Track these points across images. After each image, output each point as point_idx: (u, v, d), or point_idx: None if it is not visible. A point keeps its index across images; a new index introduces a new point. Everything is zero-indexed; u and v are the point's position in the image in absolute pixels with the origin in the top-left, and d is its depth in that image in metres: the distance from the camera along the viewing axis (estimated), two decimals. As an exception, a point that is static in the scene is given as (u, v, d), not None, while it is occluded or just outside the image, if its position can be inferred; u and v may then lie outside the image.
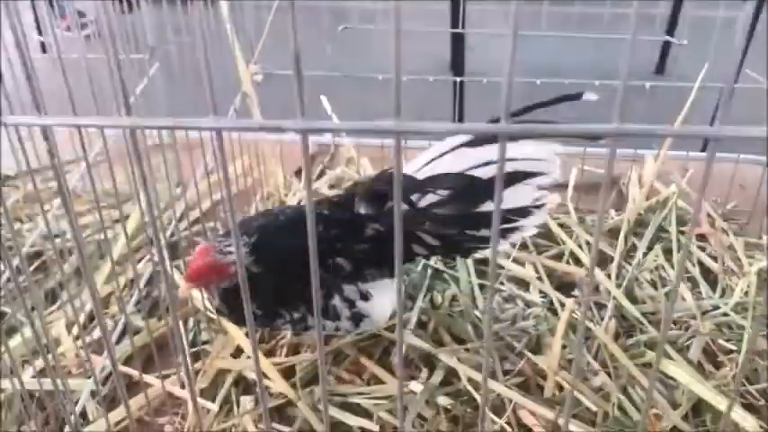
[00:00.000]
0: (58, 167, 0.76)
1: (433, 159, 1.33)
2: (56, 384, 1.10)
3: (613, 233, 1.80)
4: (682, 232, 1.78)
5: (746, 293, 1.59)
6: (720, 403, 1.31)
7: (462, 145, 1.32)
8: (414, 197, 1.32)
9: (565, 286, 1.64)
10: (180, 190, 1.77)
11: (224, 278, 1.21)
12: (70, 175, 1.93)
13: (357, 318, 1.34)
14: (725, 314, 1.54)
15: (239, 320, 1.36)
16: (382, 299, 1.35)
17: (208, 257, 1.20)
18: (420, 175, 1.33)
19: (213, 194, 1.77)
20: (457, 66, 3.47)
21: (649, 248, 1.74)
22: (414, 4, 3.45)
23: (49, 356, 1.22)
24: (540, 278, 1.65)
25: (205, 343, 1.50)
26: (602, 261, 1.70)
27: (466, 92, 2.61)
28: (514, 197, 1.30)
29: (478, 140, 1.31)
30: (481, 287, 1.62)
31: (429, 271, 1.66)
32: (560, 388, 1.39)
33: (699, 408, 1.35)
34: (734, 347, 1.46)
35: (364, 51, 3.17)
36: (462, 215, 1.32)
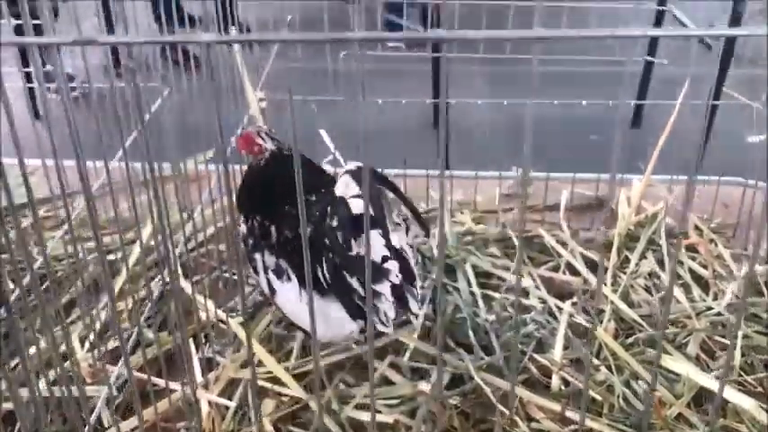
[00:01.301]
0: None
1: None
2: (70, 391, 1.13)
3: (606, 247, 1.87)
4: (672, 244, 1.86)
5: (737, 296, 1.66)
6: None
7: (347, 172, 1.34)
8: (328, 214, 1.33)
9: (563, 296, 1.70)
10: (186, 215, 1.82)
11: (252, 151, 1.44)
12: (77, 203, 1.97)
13: (270, 287, 1.41)
14: (718, 314, 1.60)
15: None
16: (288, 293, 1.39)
17: (252, 132, 1.45)
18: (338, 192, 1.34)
19: (218, 221, 1.84)
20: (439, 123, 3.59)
21: (641, 259, 1.81)
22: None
23: (66, 364, 1.26)
24: (538, 287, 1.71)
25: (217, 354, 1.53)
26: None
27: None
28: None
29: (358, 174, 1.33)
30: (483, 297, 1.67)
31: (429, 282, 1.72)
32: (566, 383, 1.44)
33: (699, 399, 1.40)
34: (729, 343, 1.52)
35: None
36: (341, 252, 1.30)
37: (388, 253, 1.28)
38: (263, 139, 1.44)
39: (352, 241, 1.27)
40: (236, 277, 1.77)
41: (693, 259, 1.82)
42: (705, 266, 1.78)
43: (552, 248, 1.85)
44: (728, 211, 2.03)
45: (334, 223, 1.29)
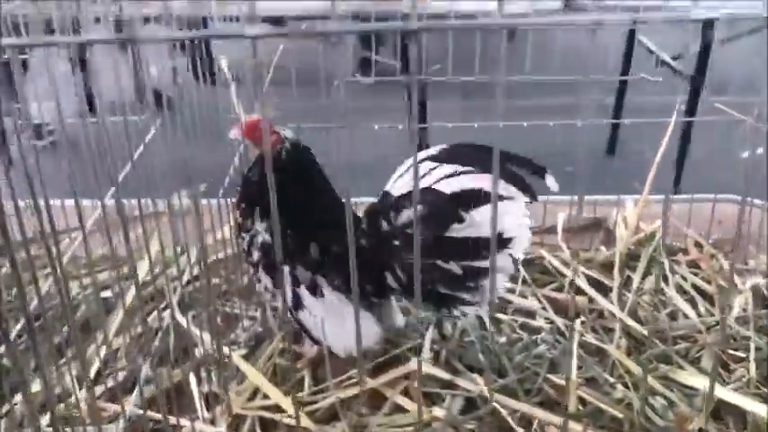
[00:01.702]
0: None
1: (403, 174, 1.34)
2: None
3: (606, 267, 1.86)
4: (673, 261, 1.85)
5: (744, 309, 1.65)
6: (741, 401, 1.33)
7: (426, 159, 1.31)
8: (392, 214, 1.31)
9: (568, 315, 1.67)
10: (180, 249, 1.78)
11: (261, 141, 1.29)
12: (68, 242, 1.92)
13: (298, 300, 1.36)
14: (728, 327, 1.59)
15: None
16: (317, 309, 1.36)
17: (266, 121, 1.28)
18: (395, 191, 1.32)
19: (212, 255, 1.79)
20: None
21: (644, 277, 1.80)
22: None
23: (61, 406, 1.20)
24: (544, 308, 1.68)
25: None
26: (602, 291, 1.75)
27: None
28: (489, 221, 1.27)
29: (441, 156, 1.31)
30: (490, 320, 1.64)
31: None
32: (583, 403, 1.40)
33: (717, 412, 1.37)
34: (743, 355, 1.50)
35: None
36: (431, 240, 1.26)
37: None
38: (279, 127, 1.33)
39: (465, 216, 1.23)
40: (236, 311, 1.72)
41: (696, 275, 1.81)
42: (708, 281, 1.77)
43: (554, 269, 1.83)
44: (723, 227, 2.03)
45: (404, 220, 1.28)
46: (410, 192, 1.27)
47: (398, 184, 1.33)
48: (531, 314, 1.67)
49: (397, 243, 1.31)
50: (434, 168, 1.30)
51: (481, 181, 1.25)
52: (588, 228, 2.04)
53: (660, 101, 2.81)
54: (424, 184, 1.27)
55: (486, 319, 1.57)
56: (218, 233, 1.79)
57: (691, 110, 3.19)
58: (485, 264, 1.24)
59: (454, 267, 1.27)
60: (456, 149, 1.33)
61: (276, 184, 1.34)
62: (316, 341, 1.43)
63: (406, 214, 1.29)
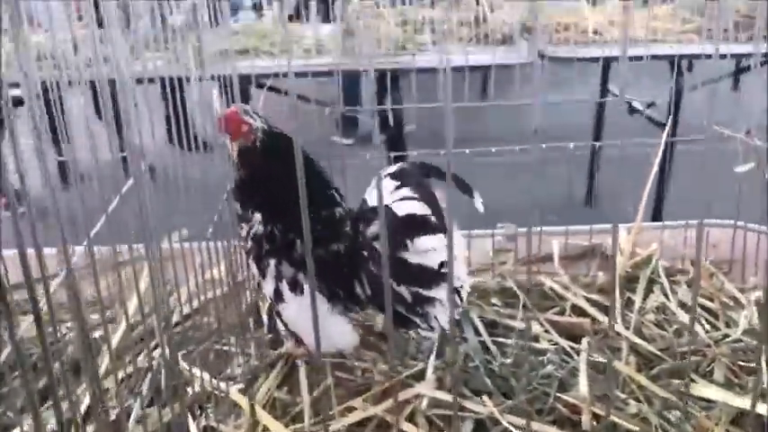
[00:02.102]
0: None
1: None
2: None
3: (605, 291, 1.83)
4: (672, 281, 1.83)
5: (750, 322, 1.62)
6: (762, 410, 1.29)
7: (387, 175, 1.36)
8: (361, 225, 1.34)
9: (573, 338, 1.63)
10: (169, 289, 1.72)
11: (238, 132, 1.32)
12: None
13: (279, 295, 1.35)
14: (737, 340, 1.56)
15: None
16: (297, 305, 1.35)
17: (232, 111, 1.33)
18: (370, 201, 1.38)
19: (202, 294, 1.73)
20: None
21: (645, 297, 1.77)
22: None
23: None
24: (547, 331, 1.64)
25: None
26: (604, 313, 1.71)
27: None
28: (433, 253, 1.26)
29: (398, 175, 1.35)
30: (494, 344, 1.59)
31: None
32: (597, 419, 1.35)
33: (735, 422, 1.33)
34: (752, 366, 1.47)
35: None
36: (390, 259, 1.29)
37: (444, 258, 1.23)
38: (250, 116, 1.33)
39: (408, 244, 1.24)
40: (226, 348, 1.66)
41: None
42: (710, 299, 1.75)
43: (554, 294, 1.80)
44: (717, 250, 2.03)
45: (372, 233, 1.29)
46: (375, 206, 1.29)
47: (372, 195, 1.38)
48: (534, 338, 1.63)
49: (365, 254, 1.31)
50: (399, 188, 1.33)
51: (425, 208, 1.28)
52: (584, 255, 2.02)
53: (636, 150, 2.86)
54: (387, 200, 1.29)
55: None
56: (208, 273, 1.75)
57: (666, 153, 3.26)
58: (430, 293, 1.28)
59: (404, 292, 1.28)
60: (405, 170, 1.37)
61: (257, 176, 1.33)
62: (295, 337, 1.42)
63: (374, 227, 1.30)
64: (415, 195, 1.30)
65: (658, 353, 1.53)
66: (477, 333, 1.64)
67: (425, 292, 1.28)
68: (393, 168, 1.39)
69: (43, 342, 0.91)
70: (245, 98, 2.48)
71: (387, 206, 1.27)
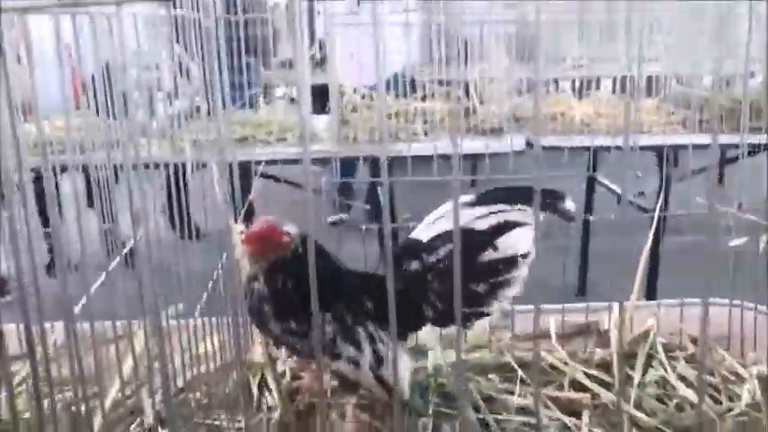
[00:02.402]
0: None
1: (435, 221, 1.44)
2: None
3: (603, 366, 1.80)
4: (670, 357, 1.81)
5: (753, 397, 1.60)
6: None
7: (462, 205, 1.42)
8: (424, 257, 1.41)
9: (573, 413, 1.59)
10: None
11: (278, 246, 1.30)
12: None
13: (379, 358, 1.35)
14: (740, 414, 1.52)
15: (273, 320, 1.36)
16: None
17: (269, 224, 1.31)
18: (425, 238, 1.43)
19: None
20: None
21: (643, 373, 1.75)
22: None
23: None
24: (547, 406, 1.61)
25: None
26: (603, 388, 1.68)
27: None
28: (514, 243, 1.40)
29: (476, 202, 1.43)
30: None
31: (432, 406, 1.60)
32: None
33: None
34: (760, 438, 1.43)
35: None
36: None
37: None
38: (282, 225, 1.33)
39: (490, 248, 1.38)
40: (217, 422, 1.61)
41: (696, 369, 1.76)
42: (711, 373, 1.72)
43: (552, 369, 1.77)
44: (713, 327, 2.01)
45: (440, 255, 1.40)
46: (439, 234, 1.42)
47: (428, 231, 1.44)
48: (533, 413, 1.59)
49: (430, 278, 1.40)
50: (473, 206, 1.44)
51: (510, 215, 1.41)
52: (580, 332, 2.00)
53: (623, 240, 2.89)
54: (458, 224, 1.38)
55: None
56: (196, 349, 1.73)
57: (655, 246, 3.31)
58: (509, 276, 1.42)
59: (479, 288, 1.40)
60: (488, 194, 1.46)
61: (294, 283, 1.33)
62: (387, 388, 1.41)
63: (442, 251, 1.40)
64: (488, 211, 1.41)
65: (661, 426, 1.49)
66: (477, 410, 1.60)
67: (504, 277, 1.41)
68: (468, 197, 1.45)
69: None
70: (247, 185, 2.50)
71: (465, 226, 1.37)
